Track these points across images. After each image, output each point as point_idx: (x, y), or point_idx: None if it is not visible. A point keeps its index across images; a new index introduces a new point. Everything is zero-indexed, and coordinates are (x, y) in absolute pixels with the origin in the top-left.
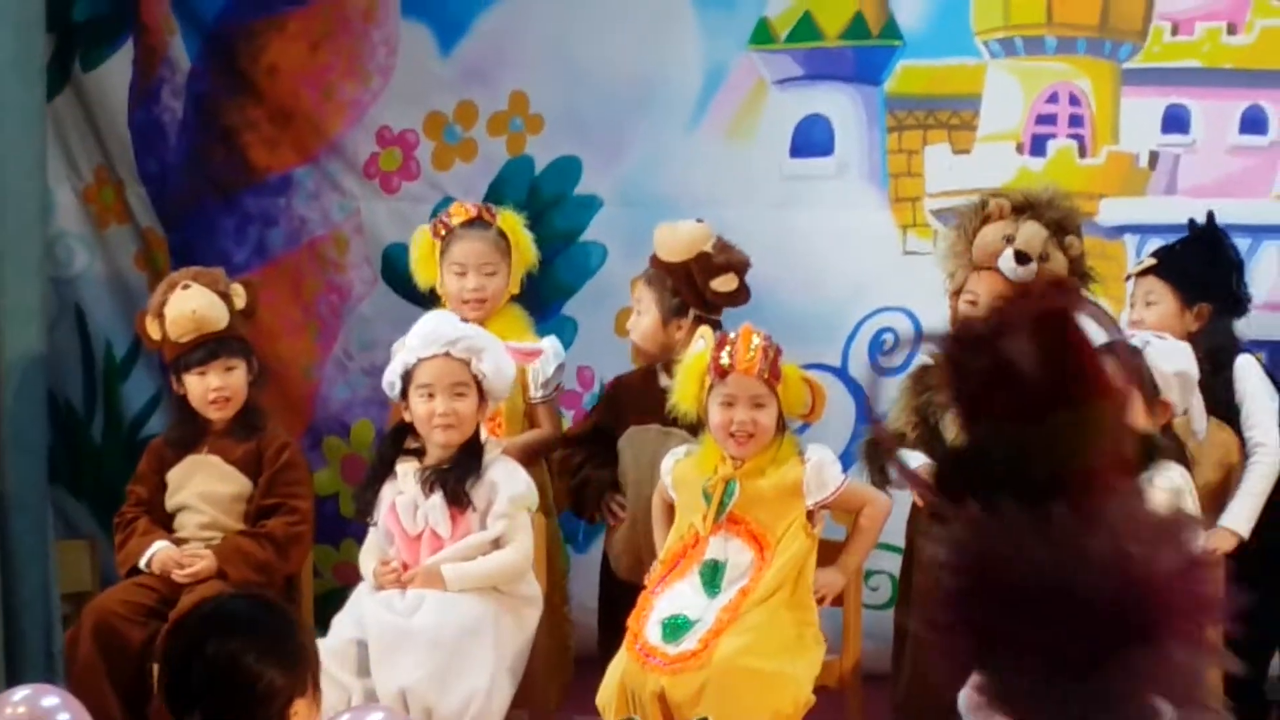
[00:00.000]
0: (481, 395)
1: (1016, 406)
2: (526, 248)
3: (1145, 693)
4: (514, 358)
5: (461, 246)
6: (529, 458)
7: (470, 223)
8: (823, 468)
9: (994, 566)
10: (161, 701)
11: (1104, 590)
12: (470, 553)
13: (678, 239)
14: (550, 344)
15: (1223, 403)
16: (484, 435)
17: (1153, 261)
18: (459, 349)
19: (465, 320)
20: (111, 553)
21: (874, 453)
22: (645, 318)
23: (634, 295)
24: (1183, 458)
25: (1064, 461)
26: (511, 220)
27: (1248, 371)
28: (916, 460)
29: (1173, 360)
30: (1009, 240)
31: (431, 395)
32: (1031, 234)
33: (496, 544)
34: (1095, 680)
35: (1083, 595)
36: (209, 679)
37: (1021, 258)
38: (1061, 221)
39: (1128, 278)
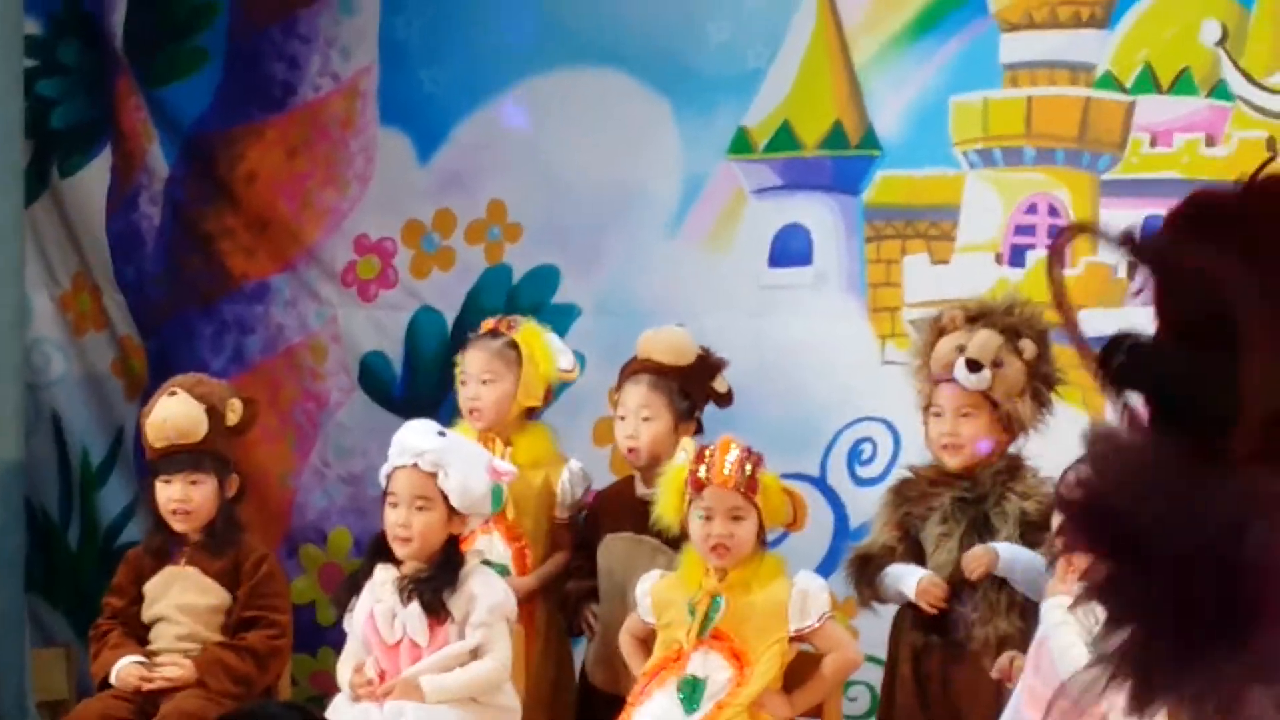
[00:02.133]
0: (453, 509)
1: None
2: (544, 359)
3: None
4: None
5: (467, 356)
6: (550, 585)
7: (486, 334)
8: (809, 596)
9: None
10: None
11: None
12: (448, 663)
13: (680, 342)
14: (575, 465)
15: None
16: (479, 541)
17: None
18: (425, 461)
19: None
20: (88, 661)
21: (860, 570)
22: (656, 424)
23: (624, 403)
24: None
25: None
26: (530, 332)
27: None
28: (910, 575)
29: None
30: (961, 350)
31: (395, 505)
32: (983, 341)
33: (475, 654)
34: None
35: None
36: None
37: (973, 365)
38: (1017, 326)
39: None
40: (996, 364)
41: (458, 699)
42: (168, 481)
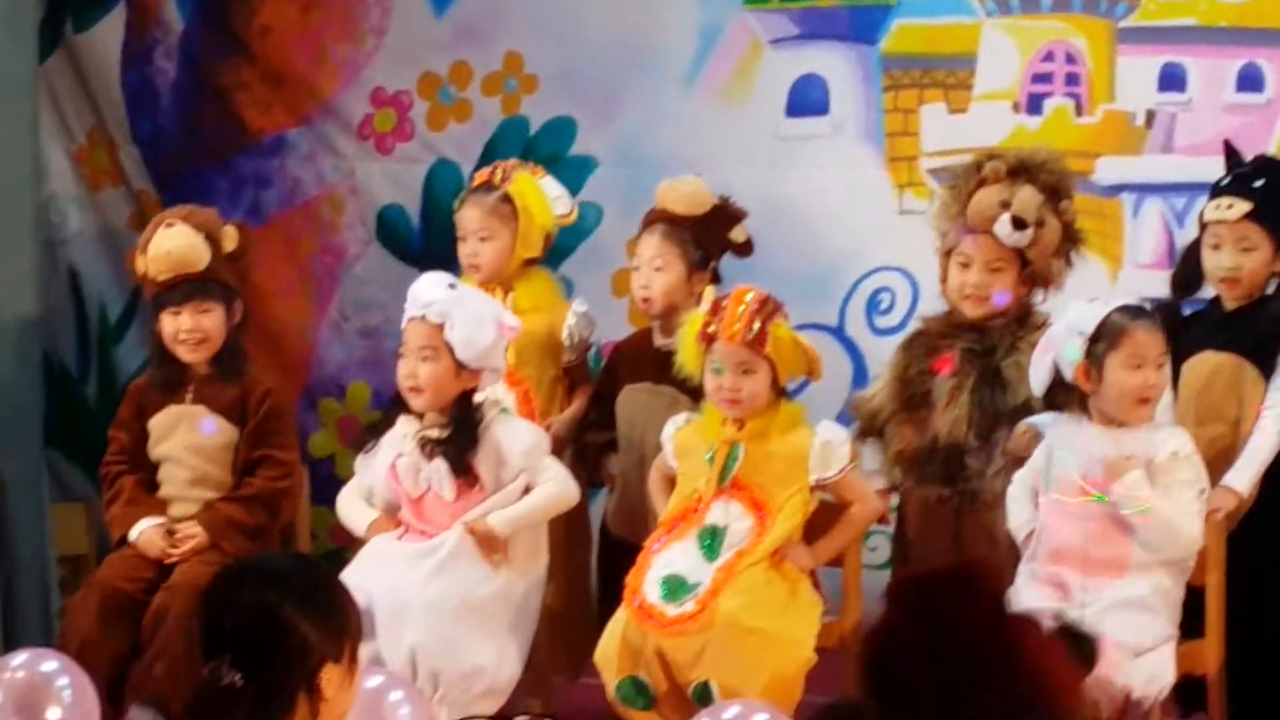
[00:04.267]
0: (460, 362)
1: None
2: (539, 209)
3: None
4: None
5: (462, 213)
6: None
7: (478, 188)
8: (831, 447)
9: None
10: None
11: None
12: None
13: (695, 192)
14: (579, 308)
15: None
16: (485, 395)
17: (1248, 207)
18: (433, 312)
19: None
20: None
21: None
22: (668, 273)
23: (639, 254)
24: None
25: None
26: (523, 182)
27: None
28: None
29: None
30: (1005, 205)
31: (404, 355)
32: (1028, 199)
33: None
34: None
35: None
36: (243, 624)
37: (1019, 223)
38: (1056, 186)
39: (1204, 224)
40: (1038, 223)
41: (533, 525)
42: (176, 312)
